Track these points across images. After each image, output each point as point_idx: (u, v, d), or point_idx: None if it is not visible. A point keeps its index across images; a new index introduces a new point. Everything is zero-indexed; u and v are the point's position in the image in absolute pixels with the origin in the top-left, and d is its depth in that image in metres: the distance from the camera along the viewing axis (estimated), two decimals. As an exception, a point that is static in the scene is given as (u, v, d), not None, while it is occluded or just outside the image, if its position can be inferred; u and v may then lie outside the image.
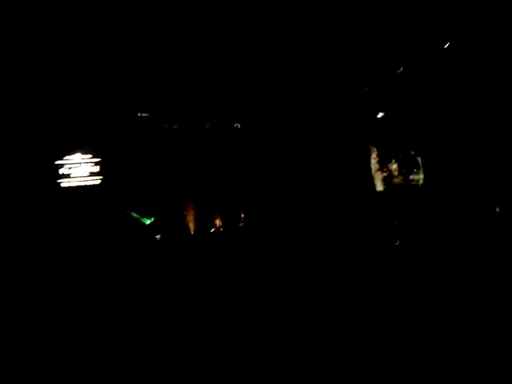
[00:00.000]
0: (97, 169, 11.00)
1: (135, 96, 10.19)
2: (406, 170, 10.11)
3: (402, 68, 9.98)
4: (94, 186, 10.78)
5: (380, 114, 10.59)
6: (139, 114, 10.63)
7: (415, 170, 10.03)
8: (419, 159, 9.89)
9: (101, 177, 11.00)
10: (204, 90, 10.23)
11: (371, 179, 10.11)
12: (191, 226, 10.92)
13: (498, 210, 7.35)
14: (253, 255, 7.96)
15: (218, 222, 11.03)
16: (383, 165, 10.28)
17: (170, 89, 10.06)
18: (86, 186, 10.67)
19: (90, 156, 10.94)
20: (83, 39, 8.13)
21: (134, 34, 8.32)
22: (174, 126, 11.01)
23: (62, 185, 10.43)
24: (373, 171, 10.26)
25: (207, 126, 11.11)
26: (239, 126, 11.46)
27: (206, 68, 9.55)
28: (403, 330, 3.54)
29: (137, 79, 9.56)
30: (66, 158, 10.57)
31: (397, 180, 10.05)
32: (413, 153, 10.08)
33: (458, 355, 3.00)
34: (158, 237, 9.84)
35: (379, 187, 10.12)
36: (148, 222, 10.52)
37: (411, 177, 10.00)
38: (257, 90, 10.18)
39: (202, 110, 10.87)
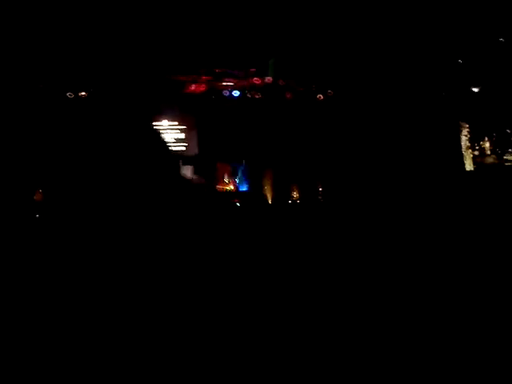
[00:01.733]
0: (182, 135, 11.41)
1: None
2: (500, 148, 9.47)
3: (502, 39, 9.24)
4: (179, 151, 11.19)
5: (475, 89, 9.94)
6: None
7: (510, 149, 9.39)
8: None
9: (186, 144, 11.40)
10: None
11: (461, 157, 9.56)
12: (269, 195, 11.06)
13: None
14: (327, 230, 7.87)
15: (295, 194, 11.05)
16: (475, 142, 9.69)
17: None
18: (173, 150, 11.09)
19: (176, 123, 11.35)
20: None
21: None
22: (256, 96, 11.05)
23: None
24: (463, 149, 9.71)
25: (288, 96, 11.04)
26: (322, 97, 11.28)
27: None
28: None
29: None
30: (155, 123, 11.03)
31: (489, 159, 9.44)
32: (509, 131, 9.42)
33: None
34: (237, 204, 10.12)
35: (469, 166, 9.57)
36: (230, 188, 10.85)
37: (506, 156, 9.37)
38: (343, 61, 9.90)
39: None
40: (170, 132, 11.29)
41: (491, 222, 6.91)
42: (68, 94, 10.09)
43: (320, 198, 10.79)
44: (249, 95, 10.89)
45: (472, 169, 9.65)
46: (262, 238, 7.27)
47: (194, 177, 11.06)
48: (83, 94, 10.07)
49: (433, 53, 9.51)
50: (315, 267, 5.12)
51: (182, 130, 11.43)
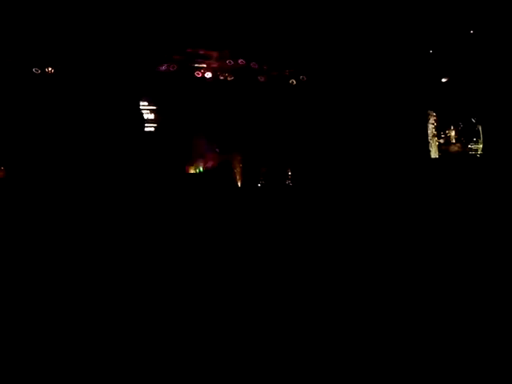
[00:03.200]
0: (152, 116, 11.22)
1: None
2: (464, 137, 9.66)
3: (471, 31, 9.39)
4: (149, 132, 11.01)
5: (444, 79, 10.09)
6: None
7: (475, 138, 9.59)
8: (480, 128, 9.42)
9: (155, 124, 11.22)
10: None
11: (427, 145, 9.72)
12: (238, 178, 11.04)
13: None
14: (295, 214, 7.87)
15: (264, 178, 11.03)
16: (441, 131, 9.85)
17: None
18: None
19: (146, 103, 11.15)
20: None
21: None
22: (229, 78, 10.96)
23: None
24: (429, 137, 9.87)
25: (261, 80, 10.98)
26: (294, 82, 11.26)
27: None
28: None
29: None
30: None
31: (454, 148, 9.63)
32: (474, 120, 9.61)
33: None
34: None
35: (434, 154, 9.74)
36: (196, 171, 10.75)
37: (470, 145, 9.57)
38: (317, 47, 9.87)
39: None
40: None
41: (454, 208, 7.03)
42: (34, 69, 9.78)
43: (289, 182, 10.83)
44: (221, 77, 10.78)
45: (437, 156, 9.83)
46: (232, 222, 7.22)
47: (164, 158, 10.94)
48: (50, 69, 9.75)
49: (404, 42, 9.60)
50: (281, 253, 5.08)
51: (151, 111, 11.24)
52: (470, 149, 9.43)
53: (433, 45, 9.81)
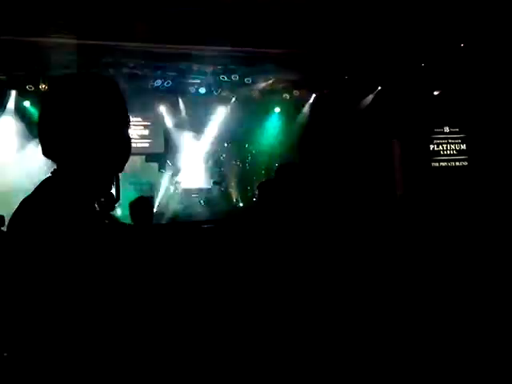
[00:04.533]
0: (146, 132, 11.15)
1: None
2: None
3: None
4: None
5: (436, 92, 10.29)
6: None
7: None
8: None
9: (150, 140, 11.14)
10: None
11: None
12: (234, 192, 10.99)
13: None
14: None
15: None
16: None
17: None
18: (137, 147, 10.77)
19: (139, 119, 11.07)
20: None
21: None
22: (224, 94, 10.91)
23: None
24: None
25: (255, 95, 10.97)
26: (288, 97, 11.28)
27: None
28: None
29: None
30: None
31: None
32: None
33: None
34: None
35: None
36: None
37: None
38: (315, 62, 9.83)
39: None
40: (134, 128, 11.01)
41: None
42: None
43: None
44: (215, 93, 10.77)
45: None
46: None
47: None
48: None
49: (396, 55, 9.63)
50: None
51: (145, 127, 11.18)
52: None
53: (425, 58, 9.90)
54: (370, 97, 10.58)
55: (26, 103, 9.29)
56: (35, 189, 1.19)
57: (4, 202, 8.26)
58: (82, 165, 1.21)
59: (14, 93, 9.35)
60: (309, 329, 3.34)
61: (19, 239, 1.11)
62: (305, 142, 10.54)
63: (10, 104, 9.33)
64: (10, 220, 1.15)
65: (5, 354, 1.13)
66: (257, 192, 10.53)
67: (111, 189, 1.28)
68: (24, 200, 1.17)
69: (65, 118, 1.21)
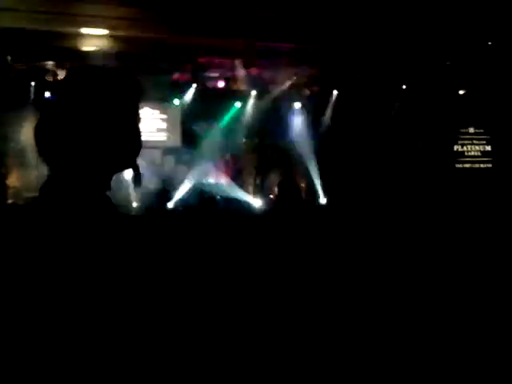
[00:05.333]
0: (164, 125, 11.12)
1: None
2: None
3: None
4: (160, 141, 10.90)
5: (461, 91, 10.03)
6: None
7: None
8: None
9: (167, 133, 11.12)
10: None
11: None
12: (251, 189, 10.90)
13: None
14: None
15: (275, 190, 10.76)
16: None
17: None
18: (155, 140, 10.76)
19: (157, 112, 11.05)
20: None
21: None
22: (242, 87, 10.82)
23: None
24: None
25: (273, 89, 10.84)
26: (309, 92, 11.14)
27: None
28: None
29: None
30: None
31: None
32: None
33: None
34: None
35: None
36: None
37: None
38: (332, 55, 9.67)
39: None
40: (151, 121, 11.00)
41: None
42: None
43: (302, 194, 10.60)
44: (234, 87, 10.69)
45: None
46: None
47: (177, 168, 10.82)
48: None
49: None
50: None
51: (163, 120, 11.15)
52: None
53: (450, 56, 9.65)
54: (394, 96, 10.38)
55: (46, 94, 9.30)
56: (40, 192, 1.17)
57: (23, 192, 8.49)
58: (86, 162, 1.16)
59: (32, 84, 9.42)
60: (314, 323, 3.34)
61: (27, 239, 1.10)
62: (325, 140, 10.41)
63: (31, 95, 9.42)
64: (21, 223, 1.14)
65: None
66: (275, 189, 10.53)
67: (109, 188, 1.22)
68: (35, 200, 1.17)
69: (73, 112, 1.17)
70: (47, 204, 1.13)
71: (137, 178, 1.30)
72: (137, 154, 1.27)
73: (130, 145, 1.25)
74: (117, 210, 1.23)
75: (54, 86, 9.00)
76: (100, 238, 1.12)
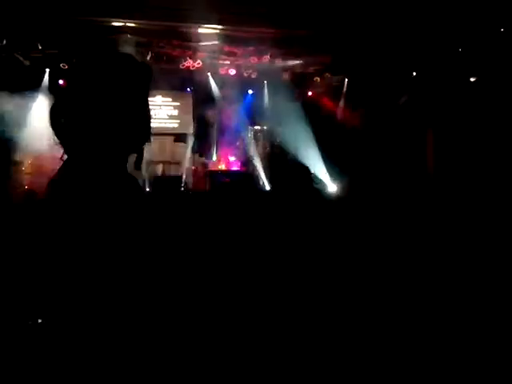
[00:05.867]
0: (175, 112, 11.22)
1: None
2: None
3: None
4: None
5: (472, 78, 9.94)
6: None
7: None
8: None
9: (178, 120, 11.22)
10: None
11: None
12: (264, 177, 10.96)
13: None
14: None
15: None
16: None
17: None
18: (166, 127, 10.93)
19: (169, 99, 11.15)
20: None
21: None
22: (253, 76, 10.82)
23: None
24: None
25: (285, 77, 10.82)
26: (319, 79, 11.13)
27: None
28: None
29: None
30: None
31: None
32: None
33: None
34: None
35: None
36: None
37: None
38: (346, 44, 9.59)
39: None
40: (163, 108, 11.11)
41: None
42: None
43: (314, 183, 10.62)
44: (245, 74, 10.70)
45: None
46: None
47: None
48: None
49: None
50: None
51: (174, 107, 11.25)
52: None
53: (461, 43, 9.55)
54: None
55: (60, 81, 9.44)
56: (58, 172, 1.22)
57: (38, 178, 8.65)
58: (99, 144, 1.21)
59: (47, 71, 9.60)
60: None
61: (56, 211, 1.14)
62: (336, 127, 10.41)
63: (45, 82, 9.57)
64: (45, 204, 1.18)
65: (39, 321, 1.15)
66: (284, 176, 10.57)
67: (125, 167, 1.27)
68: (53, 182, 1.20)
69: (85, 95, 1.22)
70: (67, 183, 1.17)
71: (138, 161, 1.32)
72: (148, 135, 1.31)
73: (141, 126, 1.29)
74: (140, 187, 1.29)
75: (67, 71, 9.09)
76: (124, 210, 1.15)
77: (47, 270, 1.12)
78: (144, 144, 1.31)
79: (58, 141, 1.23)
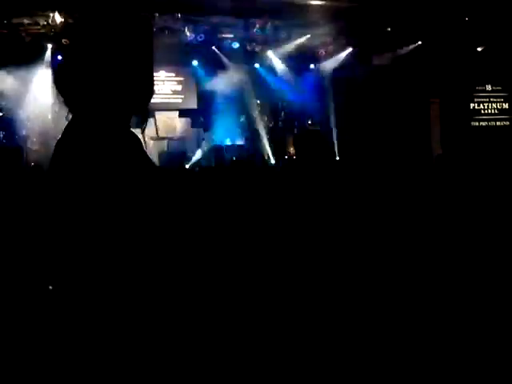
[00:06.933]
0: (179, 87, 11.15)
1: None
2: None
3: None
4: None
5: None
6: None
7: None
8: None
9: (183, 96, 11.15)
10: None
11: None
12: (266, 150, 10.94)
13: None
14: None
15: (292, 150, 10.66)
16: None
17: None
18: (170, 102, 10.87)
19: (173, 74, 11.06)
20: None
21: None
22: (256, 49, 10.70)
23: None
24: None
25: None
26: (324, 53, 10.97)
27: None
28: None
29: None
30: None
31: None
32: None
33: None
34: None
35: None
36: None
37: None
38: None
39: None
40: (167, 83, 11.04)
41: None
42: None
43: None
44: (248, 48, 10.58)
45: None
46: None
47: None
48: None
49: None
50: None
51: (178, 82, 11.18)
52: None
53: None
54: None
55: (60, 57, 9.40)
56: (64, 132, 1.22)
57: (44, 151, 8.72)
58: (104, 100, 1.21)
59: (49, 46, 9.55)
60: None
61: (64, 179, 1.15)
62: (340, 99, 10.32)
63: (47, 57, 9.56)
64: (52, 164, 1.20)
65: (50, 287, 1.18)
66: (288, 149, 10.53)
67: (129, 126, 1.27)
68: (59, 142, 1.21)
69: (89, 50, 1.21)
70: (72, 142, 1.17)
71: (142, 121, 1.32)
72: (151, 94, 1.30)
73: (145, 85, 1.27)
74: (142, 146, 1.25)
75: (68, 29, 9.00)
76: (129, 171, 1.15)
77: (54, 236, 1.15)
78: (149, 101, 1.30)
79: (62, 99, 1.23)
